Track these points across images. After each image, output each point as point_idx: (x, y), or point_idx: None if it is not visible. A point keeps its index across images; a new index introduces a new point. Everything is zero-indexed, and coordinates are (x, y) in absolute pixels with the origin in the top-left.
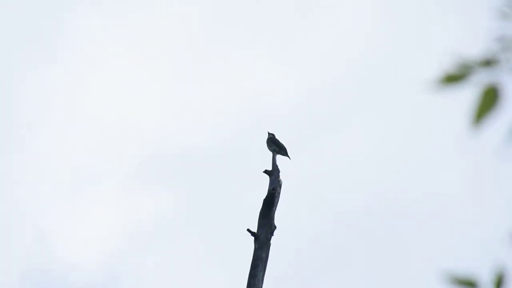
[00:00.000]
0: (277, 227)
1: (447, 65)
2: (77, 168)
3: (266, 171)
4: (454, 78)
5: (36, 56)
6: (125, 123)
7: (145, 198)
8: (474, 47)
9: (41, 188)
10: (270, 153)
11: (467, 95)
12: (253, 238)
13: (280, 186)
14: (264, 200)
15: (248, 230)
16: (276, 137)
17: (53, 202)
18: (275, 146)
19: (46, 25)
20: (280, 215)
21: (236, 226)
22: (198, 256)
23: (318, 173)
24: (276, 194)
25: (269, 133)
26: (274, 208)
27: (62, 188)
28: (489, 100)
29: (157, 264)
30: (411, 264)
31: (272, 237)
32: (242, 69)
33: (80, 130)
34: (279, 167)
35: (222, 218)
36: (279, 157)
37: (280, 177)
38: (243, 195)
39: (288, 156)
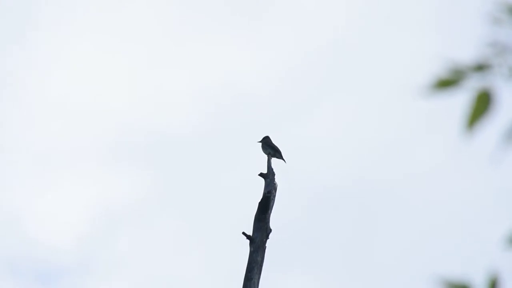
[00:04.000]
0: (272, 230)
1: (439, 70)
2: (50, 149)
3: (261, 174)
4: (447, 83)
5: (6, 38)
6: (99, 104)
7: (118, 179)
8: (467, 52)
9: (13, 170)
10: (265, 156)
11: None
12: (248, 241)
13: (275, 189)
14: (260, 203)
15: (244, 233)
16: (271, 138)
17: (25, 183)
18: (270, 149)
19: (15, 7)
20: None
21: (230, 230)
22: (172, 236)
23: (293, 153)
24: (271, 197)
25: (262, 138)
26: (269, 211)
27: (34, 169)
28: (482, 105)
29: (131, 244)
30: (387, 242)
31: (268, 240)
32: (215, 51)
33: (53, 111)
34: (274, 170)
35: (215, 222)
36: (274, 160)
37: (275, 180)
38: (237, 198)
39: (283, 159)
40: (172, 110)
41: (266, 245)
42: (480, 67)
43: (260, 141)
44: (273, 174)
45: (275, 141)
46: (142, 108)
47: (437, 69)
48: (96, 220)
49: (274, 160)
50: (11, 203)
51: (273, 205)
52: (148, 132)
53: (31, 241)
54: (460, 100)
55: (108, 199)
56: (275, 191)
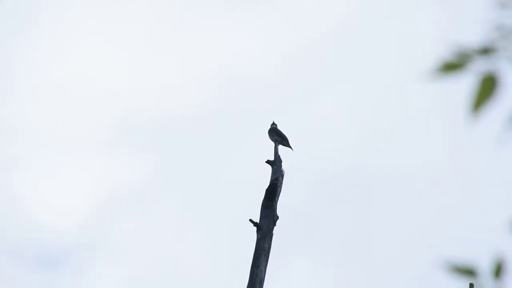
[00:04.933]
0: (279, 217)
1: (445, 53)
2: (54, 133)
3: (268, 161)
4: (452, 66)
5: (11, 22)
6: (103, 90)
7: (122, 163)
8: (472, 36)
9: (17, 153)
10: (272, 143)
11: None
12: (255, 228)
13: (282, 176)
14: (267, 190)
15: (251, 220)
16: (278, 127)
17: (29, 167)
18: (277, 136)
19: None
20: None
21: (237, 217)
22: (177, 222)
23: (297, 139)
24: (278, 184)
25: (272, 124)
26: (276, 199)
27: (39, 153)
28: (487, 89)
29: (135, 228)
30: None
31: (275, 227)
32: (217, 36)
33: (57, 96)
34: (281, 157)
35: (222, 209)
36: (281, 148)
37: (282, 167)
38: (244, 185)
39: (291, 147)
40: (176, 95)
41: (273, 232)
42: (486, 51)
43: (270, 127)
44: (280, 161)
45: (280, 128)
46: (146, 92)
47: (442, 52)
48: (100, 204)
49: (280, 148)
50: (15, 187)
51: (280, 192)
52: (152, 116)
53: (35, 225)
54: (464, 84)
55: (112, 183)
56: (282, 178)
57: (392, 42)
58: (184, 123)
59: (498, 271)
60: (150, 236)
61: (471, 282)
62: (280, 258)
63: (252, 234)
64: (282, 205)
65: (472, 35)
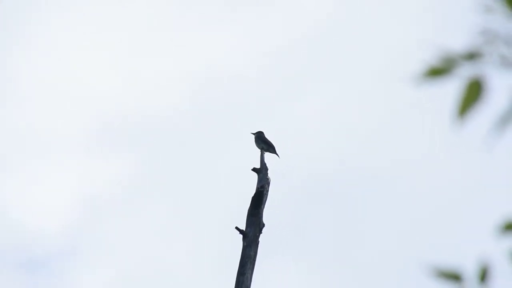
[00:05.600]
0: (265, 225)
1: (430, 58)
2: (35, 136)
3: (254, 169)
4: (438, 71)
5: None
6: (85, 90)
7: (105, 165)
8: (458, 41)
9: None
10: (258, 151)
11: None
12: (241, 236)
13: (268, 184)
14: (253, 198)
15: (237, 228)
16: (264, 134)
17: (10, 169)
18: (263, 144)
19: None
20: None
21: (224, 224)
22: (161, 226)
23: (281, 140)
24: (265, 192)
25: (256, 132)
26: (262, 206)
27: (20, 155)
28: (473, 93)
29: (117, 231)
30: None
31: (261, 235)
32: (200, 36)
33: (38, 97)
34: (267, 164)
35: (207, 217)
36: (267, 155)
37: (268, 175)
38: (230, 193)
39: (277, 154)
40: (159, 96)
41: (259, 239)
42: (471, 56)
43: (253, 133)
44: (266, 169)
45: (266, 130)
46: (129, 93)
47: (428, 57)
48: (82, 206)
49: (267, 155)
50: None
51: (266, 199)
52: (135, 117)
53: (17, 228)
54: (451, 88)
55: (95, 185)
56: (268, 186)
57: (378, 43)
58: (168, 124)
59: (484, 276)
60: (134, 239)
61: (456, 287)
62: (266, 266)
63: (238, 241)
64: (268, 213)
65: (458, 40)
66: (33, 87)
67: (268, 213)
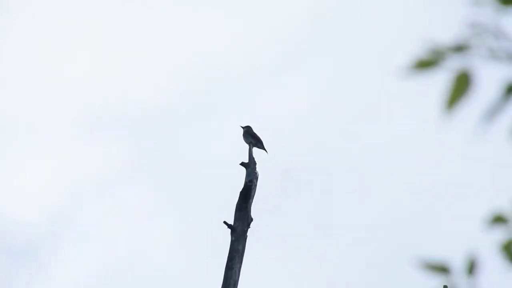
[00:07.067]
0: (253, 219)
1: (418, 50)
2: (15, 124)
3: (242, 164)
4: (426, 63)
5: None
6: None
7: (87, 153)
8: (446, 33)
9: None
10: (247, 146)
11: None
12: (229, 230)
13: (256, 178)
14: (241, 192)
15: (225, 222)
16: (253, 129)
17: None
18: (252, 138)
19: None
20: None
21: (212, 218)
22: (145, 216)
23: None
24: (253, 186)
25: (244, 127)
26: (250, 201)
27: (1, 141)
28: (461, 86)
29: (99, 220)
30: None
31: (249, 229)
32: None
33: (21, 86)
34: (255, 159)
35: (195, 211)
36: (255, 150)
37: (257, 169)
38: (218, 187)
39: (265, 149)
40: (144, 85)
41: (247, 234)
42: (460, 48)
43: (243, 127)
44: (255, 163)
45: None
46: (113, 82)
47: (416, 49)
48: (63, 194)
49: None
50: None
51: (254, 194)
52: (119, 107)
53: None
54: (439, 81)
55: (77, 173)
56: (256, 180)
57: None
58: (153, 115)
59: (471, 268)
60: (116, 229)
61: (444, 280)
62: (254, 260)
63: (226, 236)
64: (256, 207)
65: (446, 32)
66: (12, 76)
67: (256, 208)
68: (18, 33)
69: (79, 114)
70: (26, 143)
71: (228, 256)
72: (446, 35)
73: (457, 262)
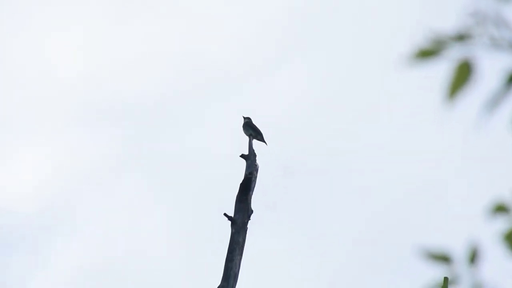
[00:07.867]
0: (253, 211)
1: (420, 40)
2: (6, 114)
3: (242, 156)
4: (427, 53)
5: None
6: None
7: (80, 143)
8: (448, 22)
9: None
10: (247, 138)
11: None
12: (229, 222)
13: (256, 170)
14: (241, 184)
15: (225, 214)
16: (252, 121)
17: None
18: (252, 130)
19: None
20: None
21: (213, 210)
22: (141, 200)
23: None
24: (253, 178)
25: (245, 118)
26: (250, 193)
27: None
28: (463, 75)
29: (97, 209)
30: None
31: (249, 221)
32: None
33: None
34: (255, 151)
35: (196, 203)
36: (255, 142)
37: (257, 161)
38: (218, 179)
39: (265, 141)
40: (137, 73)
41: (248, 226)
42: (461, 37)
43: (244, 117)
44: (255, 155)
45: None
46: (104, 69)
47: (417, 39)
48: (56, 184)
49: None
50: None
51: (254, 186)
52: (112, 95)
53: None
54: (440, 70)
55: (73, 165)
56: (257, 172)
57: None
58: (151, 106)
59: (473, 258)
60: (114, 221)
61: (446, 269)
62: (254, 252)
63: (226, 228)
64: (256, 199)
65: (448, 22)
66: (6, 67)
67: (256, 200)
68: (8, 26)
69: (75, 107)
70: (20, 136)
71: (229, 248)
72: (448, 24)
73: (459, 252)
